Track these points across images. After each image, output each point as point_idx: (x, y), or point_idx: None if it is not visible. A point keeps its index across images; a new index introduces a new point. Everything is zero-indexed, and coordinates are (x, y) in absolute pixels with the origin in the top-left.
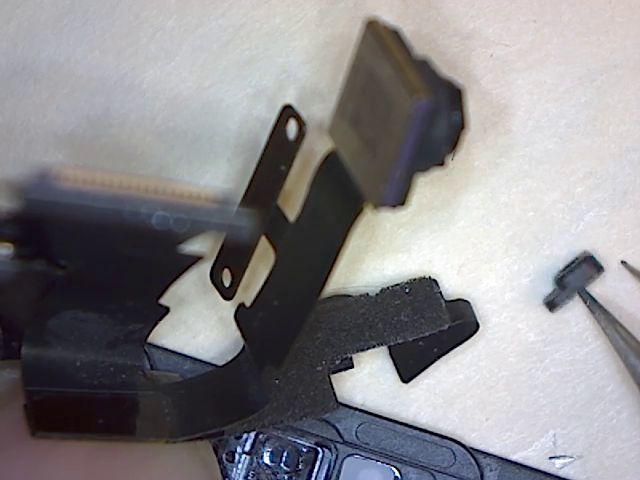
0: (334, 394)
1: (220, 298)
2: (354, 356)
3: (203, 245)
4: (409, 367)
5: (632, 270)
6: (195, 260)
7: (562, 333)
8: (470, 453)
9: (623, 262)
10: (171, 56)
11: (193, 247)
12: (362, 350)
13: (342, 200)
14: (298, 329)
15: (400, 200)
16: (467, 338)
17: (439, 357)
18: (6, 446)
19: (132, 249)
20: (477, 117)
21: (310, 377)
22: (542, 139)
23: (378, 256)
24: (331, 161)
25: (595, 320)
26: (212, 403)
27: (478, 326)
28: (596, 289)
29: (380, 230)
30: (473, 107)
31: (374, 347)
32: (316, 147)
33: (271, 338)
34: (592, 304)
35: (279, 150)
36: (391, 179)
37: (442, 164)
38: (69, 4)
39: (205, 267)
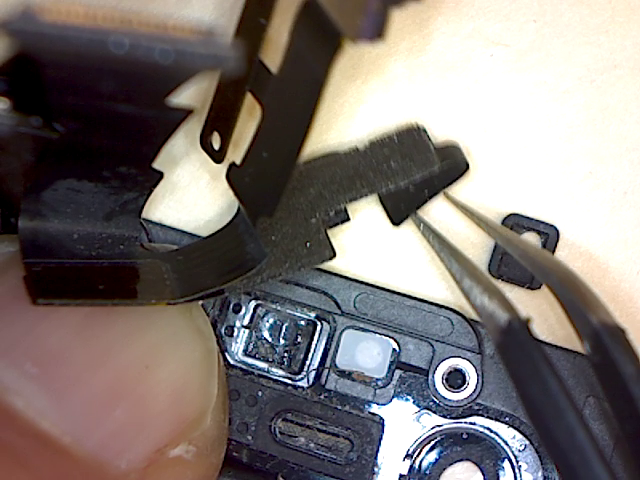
0: (330, 243)
1: (212, 164)
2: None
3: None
4: (400, 211)
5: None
6: (185, 115)
7: None
8: (468, 322)
9: (445, 193)
10: None
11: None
12: (354, 200)
13: (322, 40)
14: (288, 173)
15: (377, 32)
16: (457, 179)
17: (430, 198)
18: (2, 311)
19: (122, 105)
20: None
21: (305, 230)
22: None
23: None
24: (310, 5)
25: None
26: (211, 265)
27: (468, 166)
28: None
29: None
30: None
31: (366, 196)
32: None
33: (262, 190)
34: (425, 229)
35: (258, 3)
36: (367, 12)
37: None
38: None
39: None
